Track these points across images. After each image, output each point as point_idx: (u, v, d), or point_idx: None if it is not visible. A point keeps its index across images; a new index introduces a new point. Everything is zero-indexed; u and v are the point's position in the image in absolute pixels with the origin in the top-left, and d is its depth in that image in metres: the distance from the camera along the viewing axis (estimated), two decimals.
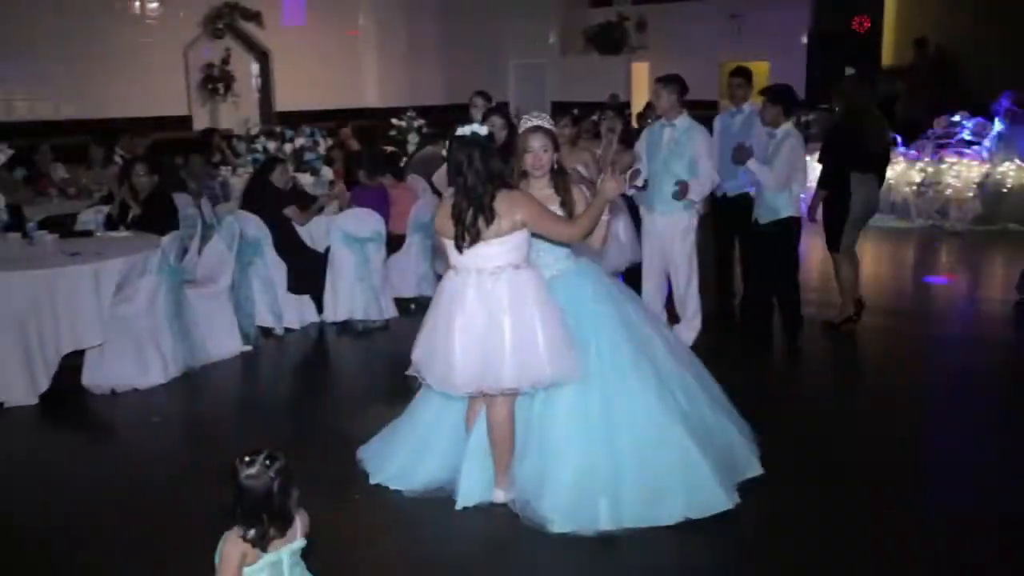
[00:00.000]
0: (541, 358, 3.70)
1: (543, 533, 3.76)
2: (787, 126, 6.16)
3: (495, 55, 16.15)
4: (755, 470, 4.20)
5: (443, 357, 3.75)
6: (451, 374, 3.73)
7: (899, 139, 11.62)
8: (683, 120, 5.94)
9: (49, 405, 5.41)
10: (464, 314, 3.72)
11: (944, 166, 10.98)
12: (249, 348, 6.43)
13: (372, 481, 4.28)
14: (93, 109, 10.49)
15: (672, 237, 6.06)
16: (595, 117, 6.87)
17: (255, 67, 12.48)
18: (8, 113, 9.90)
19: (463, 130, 3.73)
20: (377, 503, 4.16)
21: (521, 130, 4.05)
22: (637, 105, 14.17)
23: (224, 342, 6.29)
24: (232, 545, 2.53)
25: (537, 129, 3.95)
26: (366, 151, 11.66)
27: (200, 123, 11.38)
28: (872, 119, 6.66)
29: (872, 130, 6.60)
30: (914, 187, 11.08)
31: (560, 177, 4.00)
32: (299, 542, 2.66)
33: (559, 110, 13.73)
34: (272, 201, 6.71)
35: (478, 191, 3.64)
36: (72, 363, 5.63)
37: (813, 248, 8.73)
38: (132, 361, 5.70)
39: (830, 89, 14.60)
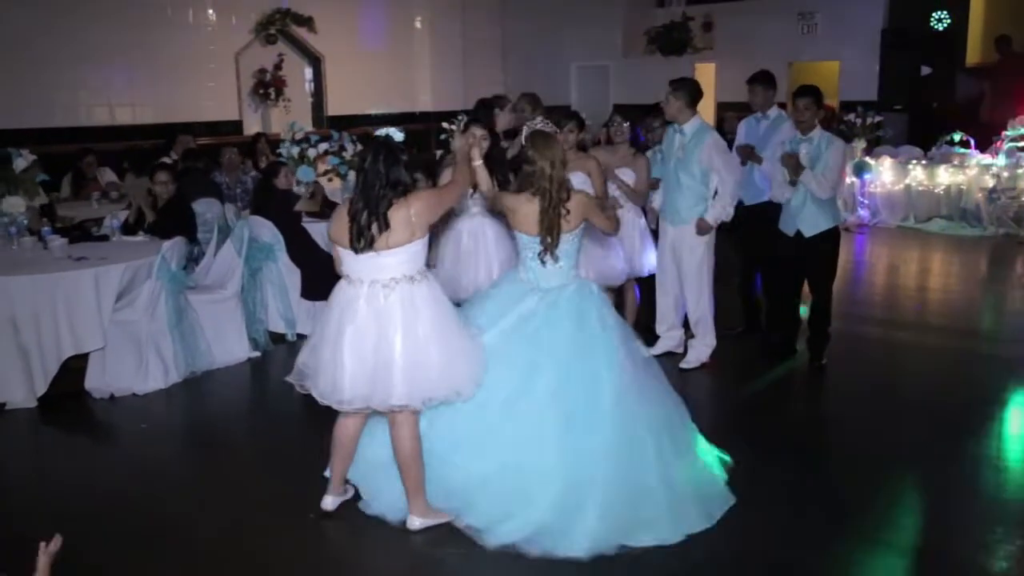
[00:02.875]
0: (432, 375, 3.59)
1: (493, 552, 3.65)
2: (821, 130, 5.78)
3: (556, 57, 15.91)
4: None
5: (330, 370, 3.62)
6: (337, 388, 3.60)
7: (972, 142, 10.98)
8: (692, 124, 5.63)
9: (48, 408, 5.46)
10: (355, 327, 3.60)
11: (1021, 171, 10.27)
12: (258, 354, 6.39)
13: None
14: (147, 114, 10.73)
15: (682, 248, 5.76)
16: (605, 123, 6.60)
17: (308, 72, 12.55)
18: (65, 118, 10.16)
19: (380, 131, 3.62)
20: (336, 524, 4.03)
21: (525, 132, 4.11)
22: (700, 109, 13.74)
23: (231, 348, 6.27)
24: None
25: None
26: (415, 155, 11.69)
27: (251, 128, 11.52)
28: None
29: None
30: (986, 193, 10.39)
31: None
32: None
33: (621, 113, 13.46)
34: (279, 204, 6.66)
35: (375, 191, 3.57)
36: (77, 366, 5.68)
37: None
38: (132, 366, 5.72)
39: (905, 89, 14.02)
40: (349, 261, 3.67)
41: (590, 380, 3.82)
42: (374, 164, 3.60)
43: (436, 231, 5.57)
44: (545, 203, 3.90)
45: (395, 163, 3.60)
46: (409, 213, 3.58)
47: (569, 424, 3.75)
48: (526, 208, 3.97)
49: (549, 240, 3.92)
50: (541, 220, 3.91)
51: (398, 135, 3.71)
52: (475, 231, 5.51)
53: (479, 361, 3.73)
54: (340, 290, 3.74)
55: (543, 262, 3.97)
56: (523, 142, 4.08)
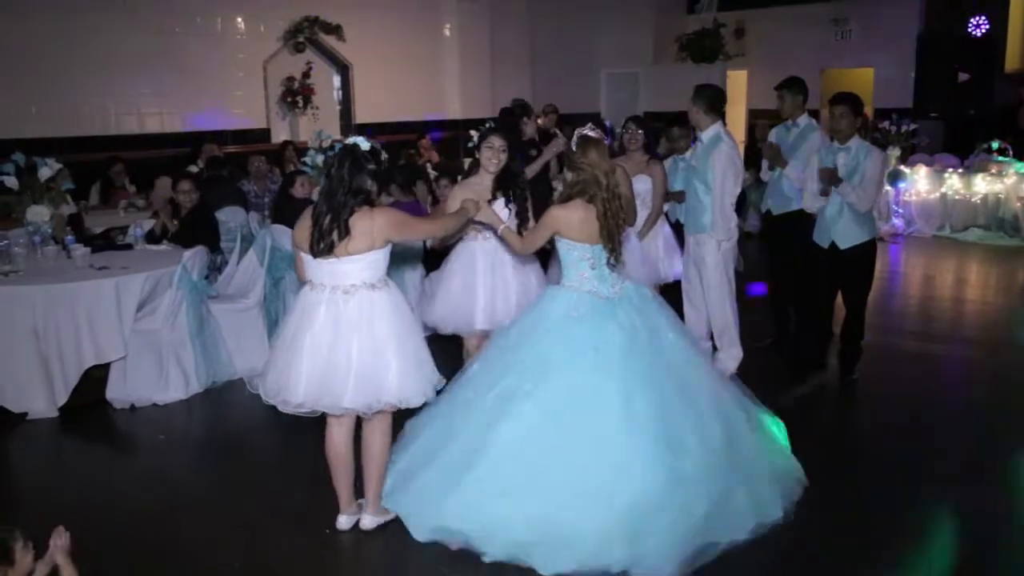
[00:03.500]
0: (384, 381, 3.61)
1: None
2: (859, 139, 5.62)
3: (585, 64, 15.80)
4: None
5: (281, 370, 3.66)
6: (288, 389, 3.63)
7: (1011, 150, 10.73)
8: (709, 132, 5.52)
9: (68, 418, 5.44)
10: (312, 331, 3.63)
11: None
12: None
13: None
14: (175, 122, 10.75)
15: (703, 258, 5.66)
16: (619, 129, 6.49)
17: (336, 80, 12.54)
18: (94, 127, 10.20)
19: (350, 139, 3.74)
20: (353, 539, 3.95)
21: (575, 138, 4.05)
22: (731, 116, 13.58)
23: (252, 358, 6.18)
24: None
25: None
26: (444, 162, 11.62)
27: (279, 136, 11.51)
28: None
29: None
30: None
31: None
32: None
33: (644, 120, 13.35)
34: (298, 213, 6.60)
35: (337, 198, 3.59)
36: (99, 375, 5.66)
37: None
38: (153, 376, 5.69)
39: (941, 96, 13.76)
40: (311, 266, 3.68)
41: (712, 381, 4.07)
42: (339, 171, 3.62)
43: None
44: (603, 210, 3.85)
45: (359, 171, 3.62)
46: (372, 224, 3.60)
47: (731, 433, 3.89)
48: (582, 215, 3.89)
49: (612, 246, 3.89)
50: (602, 228, 3.86)
51: (365, 144, 3.76)
52: (491, 253, 4.92)
53: (431, 375, 3.75)
54: (303, 295, 3.76)
55: (612, 268, 3.93)
56: (573, 148, 4.00)
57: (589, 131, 4.05)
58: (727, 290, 5.67)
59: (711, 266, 5.62)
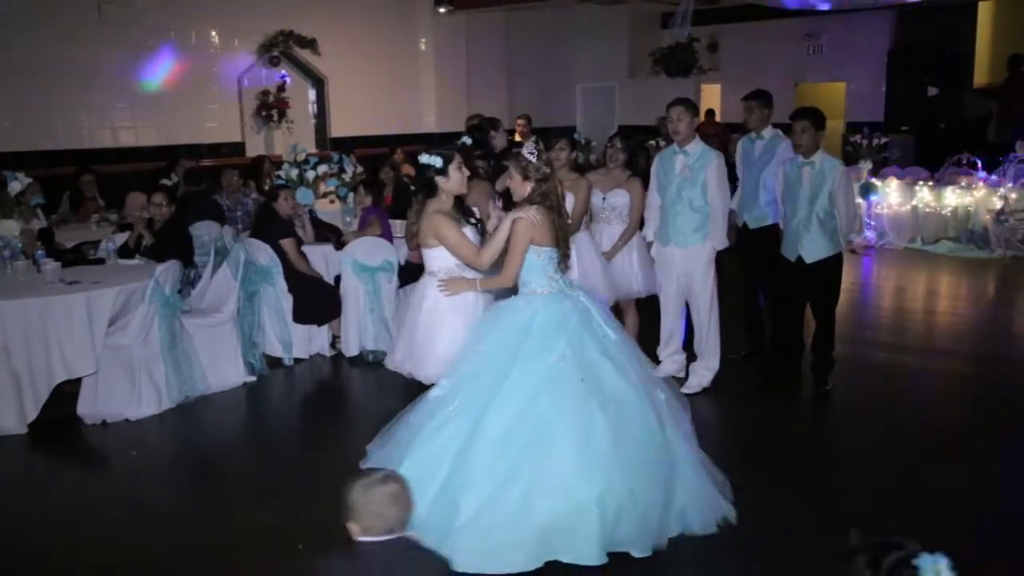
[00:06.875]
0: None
1: None
2: (823, 153, 5.67)
3: (562, 78, 15.89)
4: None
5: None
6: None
7: (979, 163, 10.87)
8: (695, 146, 5.58)
9: (39, 435, 5.36)
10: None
11: None
12: (253, 379, 6.30)
13: None
14: (150, 136, 10.69)
15: (692, 270, 5.69)
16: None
17: (311, 94, 12.52)
18: (67, 141, 10.11)
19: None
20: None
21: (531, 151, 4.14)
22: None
23: (226, 372, 6.17)
24: None
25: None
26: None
27: (254, 150, 11.46)
28: None
29: None
30: (994, 214, 10.28)
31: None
32: None
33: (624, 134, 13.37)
34: (277, 229, 6.59)
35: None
36: (70, 391, 5.60)
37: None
38: (125, 391, 5.63)
39: (912, 110, 13.94)
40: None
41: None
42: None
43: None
44: (554, 215, 4.08)
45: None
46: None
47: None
48: (543, 218, 4.06)
49: (565, 249, 4.13)
50: (558, 231, 4.09)
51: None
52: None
53: None
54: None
55: (563, 269, 4.14)
56: (531, 159, 4.09)
57: (540, 146, 4.20)
58: (715, 301, 5.75)
59: (702, 275, 5.67)
